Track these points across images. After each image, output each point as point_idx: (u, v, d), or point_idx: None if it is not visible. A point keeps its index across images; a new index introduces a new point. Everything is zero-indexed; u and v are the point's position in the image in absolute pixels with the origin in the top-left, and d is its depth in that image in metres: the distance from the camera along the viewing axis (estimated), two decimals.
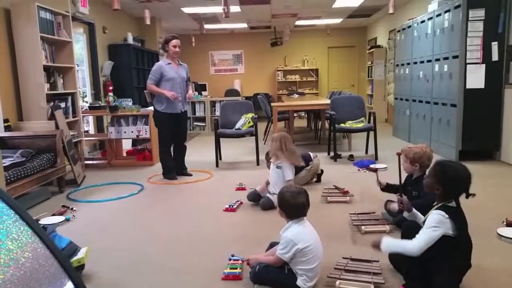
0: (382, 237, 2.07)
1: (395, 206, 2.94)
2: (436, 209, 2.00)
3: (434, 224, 1.93)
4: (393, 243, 2.04)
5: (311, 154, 4.39)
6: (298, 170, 4.32)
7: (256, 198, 3.71)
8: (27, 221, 0.87)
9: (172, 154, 4.91)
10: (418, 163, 2.84)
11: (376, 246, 2.09)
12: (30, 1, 4.69)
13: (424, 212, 2.18)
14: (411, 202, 2.88)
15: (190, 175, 4.92)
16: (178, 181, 4.74)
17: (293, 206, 2.15)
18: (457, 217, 1.98)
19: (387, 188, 3.16)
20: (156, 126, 4.86)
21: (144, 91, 8.31)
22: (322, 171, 4.45)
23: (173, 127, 4.75)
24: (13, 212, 0.86)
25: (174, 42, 4.61)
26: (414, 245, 1.93)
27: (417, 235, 1.95)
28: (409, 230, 2.12)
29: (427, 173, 2.28)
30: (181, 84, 4.72)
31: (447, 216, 1.94)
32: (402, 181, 3.08)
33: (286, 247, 2.08)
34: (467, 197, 2.01)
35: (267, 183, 3.70)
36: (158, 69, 4.61)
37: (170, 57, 4.67)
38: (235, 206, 3.61)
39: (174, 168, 4.87)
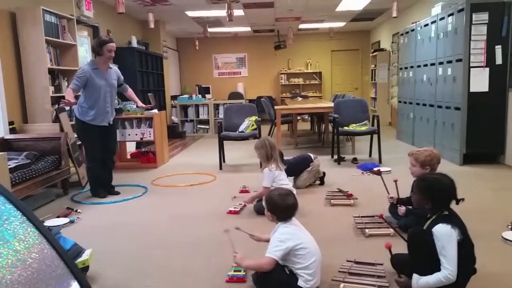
0: (409, 280, 2.01)
1: (401, 209, 2.97)
2: (436, 222, 1.99)
3: (447, 239, 1.90)
4: (424, 280, 1.93)
5: (311, 155, 4.40)
6: (299, 172, 4.32)
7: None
8: (34, 223, 0.88)
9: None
10: (429, 166, 2.83)
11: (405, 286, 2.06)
12: (35, 4, 4.74)
13: (424, 223, 2.17)
14: (410, 213, 2.91)
15: (118, 193, 4.33)
16: (181, 183, 4.74)
17: (283, 208, 2.17)
18: (457, 223, 1.98)
19: (399, 202, 3.09)
20: (81, 139, 4.30)
21: (148, 94, 8.36)
22: (324, 173, 4.45)
23: (101, 139, 4.15)
24: (20, 213, 0.87)
25: (110, 46, 3.97)
26: (445, 273, 1.87)
27: (442, 263, 1.90)
28: (415, 237, 2.11)
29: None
30: (110, 93, 4.13)
31: (450, 225, 1.93)
32: (409, 186, 3.09)
33: (276, 246, 2.08)
34: (457, 203, 2.02)
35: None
36: (84, 75, 3.91)
37: (102, 61, 4.04)
38: (238, 209, 3.61)
39: (102, 185, 4.28)
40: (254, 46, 12.35)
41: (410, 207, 3.01)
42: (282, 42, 11.30)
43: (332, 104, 6.33)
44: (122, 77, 4.41)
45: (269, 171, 3.52)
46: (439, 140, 5.75)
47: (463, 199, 2.01)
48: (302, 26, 10.76)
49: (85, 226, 3.38)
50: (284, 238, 2.08)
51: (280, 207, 2.17)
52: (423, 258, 2.00)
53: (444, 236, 1.91)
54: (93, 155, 4.16)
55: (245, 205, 3.72)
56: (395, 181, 3.08)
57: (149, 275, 2.46)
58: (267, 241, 2.36)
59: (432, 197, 2.01)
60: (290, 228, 2.15)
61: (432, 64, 5.96)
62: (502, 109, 5.01)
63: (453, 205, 2.05)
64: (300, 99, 9.63)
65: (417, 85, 6.60)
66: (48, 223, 3.32)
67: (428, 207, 2.04)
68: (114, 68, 4.30)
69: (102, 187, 4.28)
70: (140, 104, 4.72)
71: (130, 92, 4.59)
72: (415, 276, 1.98)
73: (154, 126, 5.59)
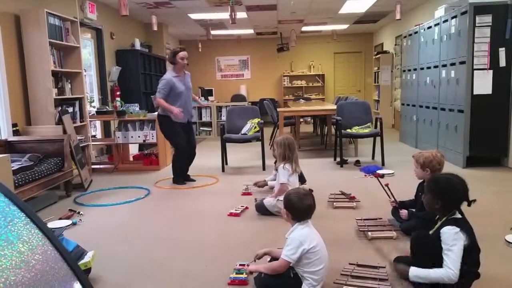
0: (408, 268, 2.04)
1: (403, 213, 2.97)
2: (445, 224, 1.98)
3: (453, 241, 1.90)
4: (423, 272, 1.96)
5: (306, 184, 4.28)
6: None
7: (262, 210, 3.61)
8: (38, 224, 0.88)
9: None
10: (429, 168, 2.82)
11: (402, 273, 2.07)
12: (39, 7, 4.76)
13: (427, 226, 2.16)
14: (413, 216, 2.90)
15: (194, 180, 4.91)
16: (184, 185, 4.75)
17: (300, 209, 2.14)
18: (467, 227, 1.97)
19: (401, 206, 3.10)
20: (165, 132, 4.80)
21: (151, 96, 8.38)
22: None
23: (183, 132, 4.75)
24: (24, 215, 0.88)
25: (182, 54, 4.59)
26: (449, 273, 1.87)
27: (445, 262, 1.90)
28: (419, 240, 2.10)
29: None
30: (188, 94, 4.76)
31: (458, 229, 1.92)
32: (412, 189, 3.10)
33: (293, 248, 2.07)
34: (469, 205, 2.00)
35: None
36: (168, 83, 4.54)
37: (178, 69, 4.65)
38: (239, 211, 3.60)
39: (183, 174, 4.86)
40: (257, 48, 12.37)
41: (413, 210, 3.01)
42: (285, 44, 11.30)
43: (335, 107, 6.33)
44: (191, 81, 4.95)
45: (283, 169, 3.55)
46: (442, 142, 5.73)
47: (475, 200, 1.99)
48: (305, 28, 10.77)
49: (87, 228, 3.39)
50: (302, 240, 2.06)
51: (296, 208, 2.14)
52: (426, 261, 2.00)
53: (451, 237, 1.90)
54: (180, 143, 4.71)
55: (246, 208, 3.72)
56: (386, 185, 3.09)
57: (151, 277, 2.46)
58: (261, 257, 2.35)
59: (442, 197, 1.99)
60: (306, 230, 2.13)
61: (436, 67, 5.95)
62: (505, 112, 4.99)
63: (464, 207, 2.04)
64: (302, 101, 9.63)
65: (421, 87, 6.58)
66: (50, 225, 3.33)
67: (438, 207, 2.02)
68: (188, 73, 4.88)
69: (182, 176, 4.82)
70: (198, 101, 5.58)
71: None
72: (413, 268, 1.99)
73: (157, 128, 5.60)
